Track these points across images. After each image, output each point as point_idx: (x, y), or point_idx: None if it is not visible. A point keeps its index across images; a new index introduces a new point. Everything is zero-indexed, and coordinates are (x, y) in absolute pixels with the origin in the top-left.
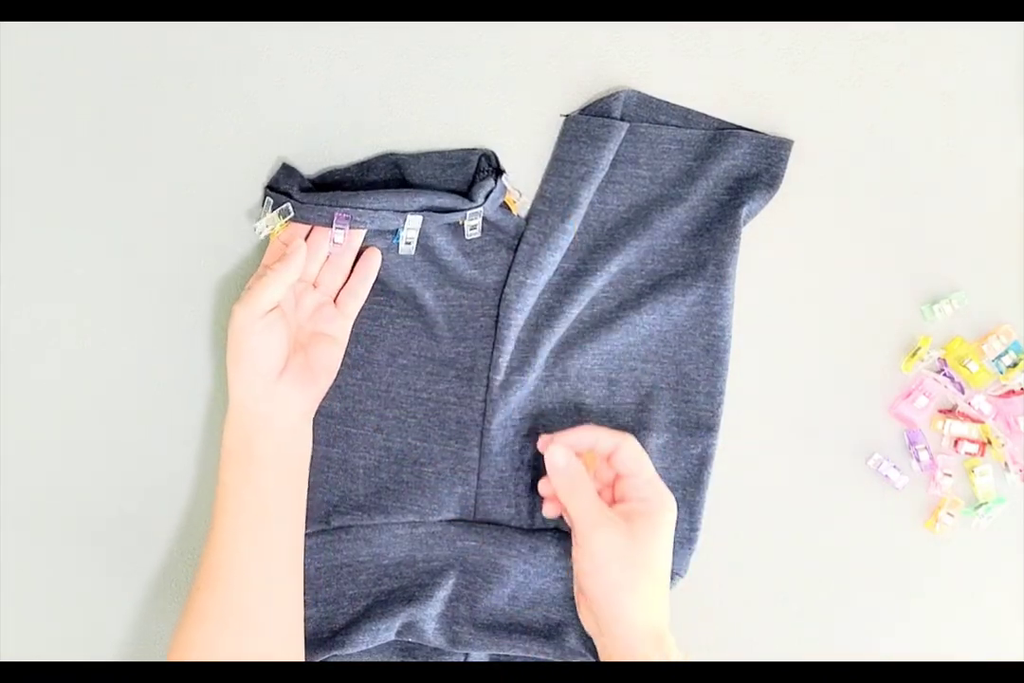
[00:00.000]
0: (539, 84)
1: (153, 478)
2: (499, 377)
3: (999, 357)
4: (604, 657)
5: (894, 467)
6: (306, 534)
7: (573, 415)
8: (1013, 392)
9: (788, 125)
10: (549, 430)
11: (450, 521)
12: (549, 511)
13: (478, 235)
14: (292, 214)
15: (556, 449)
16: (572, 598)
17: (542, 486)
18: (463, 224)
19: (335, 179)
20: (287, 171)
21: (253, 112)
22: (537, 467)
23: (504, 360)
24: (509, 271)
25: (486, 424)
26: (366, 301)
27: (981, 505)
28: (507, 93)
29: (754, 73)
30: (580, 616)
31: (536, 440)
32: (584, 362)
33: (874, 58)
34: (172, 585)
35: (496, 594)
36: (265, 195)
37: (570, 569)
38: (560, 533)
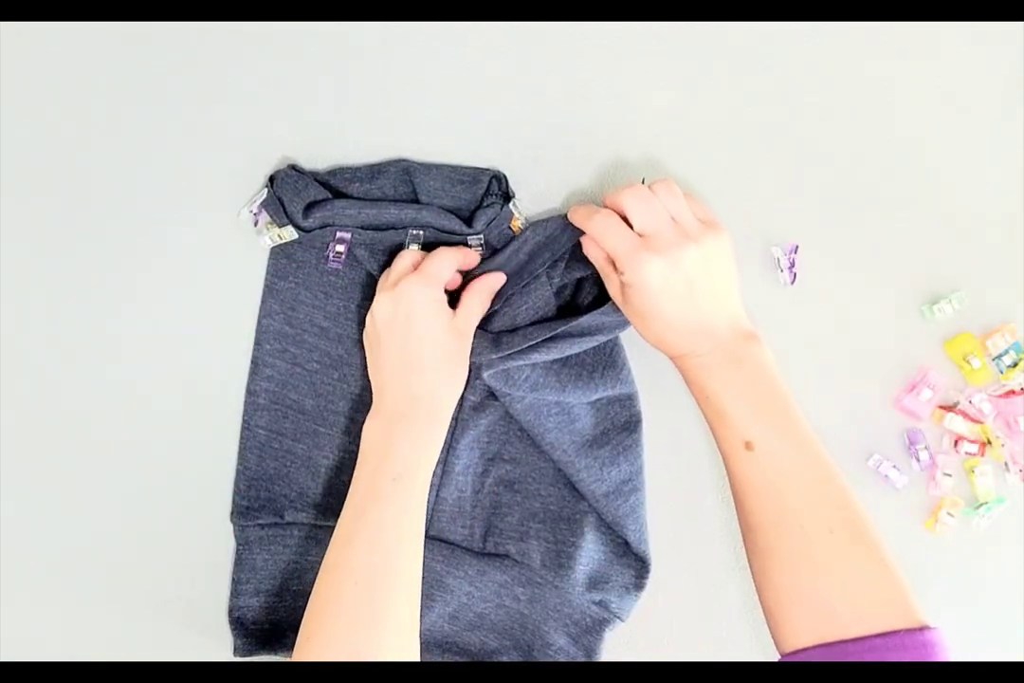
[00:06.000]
0: (540, 85)
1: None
2: (474, 398)
3: (999, 356)
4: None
5: (894, 467)
6: (259, 525)
7: (539, 445)
8: (1013, 392)
9: (788, 125)
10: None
11: None
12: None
13: (481, 254)
14: (296, 237)
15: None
16: (511, 628)
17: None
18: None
19: (344, 177)
20: (294, 178)
21: (254, 113)
22: (497, 493)
23: (480, 382)
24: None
25: (453, 442)
26: (353, 304)
27: (981, 505)
28: (507, 94)
29: (754, 73)
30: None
31: (502, 471)
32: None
33: (874, 58)
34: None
35: (437, 612)
36: (268, 190)
37: (513, 599)
38: (510, 561)
